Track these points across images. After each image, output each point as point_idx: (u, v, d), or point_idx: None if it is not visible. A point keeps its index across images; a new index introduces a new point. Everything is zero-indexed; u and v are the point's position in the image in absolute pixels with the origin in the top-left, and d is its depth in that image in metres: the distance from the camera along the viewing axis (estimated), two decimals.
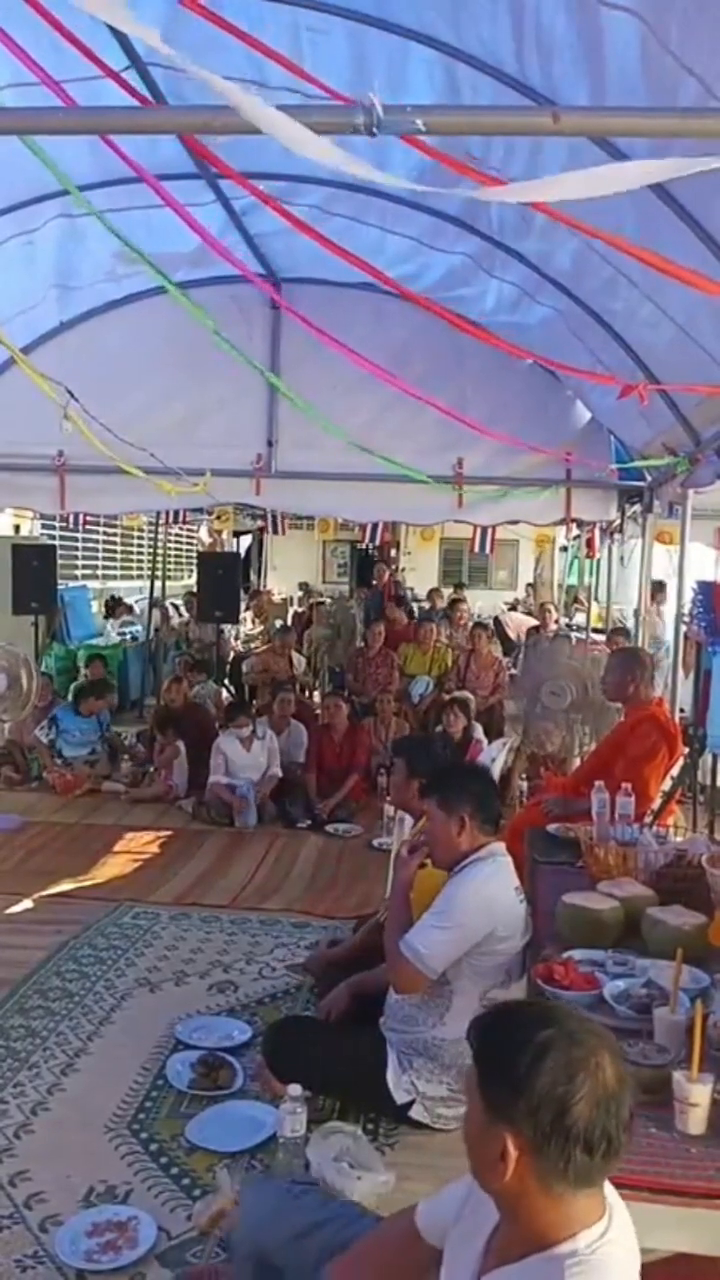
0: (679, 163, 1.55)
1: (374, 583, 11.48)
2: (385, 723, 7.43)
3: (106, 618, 11.49)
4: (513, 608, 13.82)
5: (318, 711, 7.60)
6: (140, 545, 14.81)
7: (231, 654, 10.74)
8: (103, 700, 7.58)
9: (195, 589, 9.89)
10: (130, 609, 12.09)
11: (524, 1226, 1.33)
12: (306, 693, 9.24)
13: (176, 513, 7.82)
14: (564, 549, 15.16)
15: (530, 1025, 1.34)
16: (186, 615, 11.38)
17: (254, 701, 8.59)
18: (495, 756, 6.16)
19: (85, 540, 12.68)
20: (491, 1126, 1.30)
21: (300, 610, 13.26)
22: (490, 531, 7.14)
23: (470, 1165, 1.39)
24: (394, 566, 14.22)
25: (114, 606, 11.88)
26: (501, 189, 1.86)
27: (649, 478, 6.66)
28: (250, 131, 1.59)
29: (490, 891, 2.70)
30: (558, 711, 5.96)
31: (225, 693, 9.35)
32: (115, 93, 3.14)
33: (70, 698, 7.76)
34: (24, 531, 10.60)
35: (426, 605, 12.34)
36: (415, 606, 12.07)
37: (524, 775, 6.92)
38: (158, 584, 11.53)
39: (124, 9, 1.52)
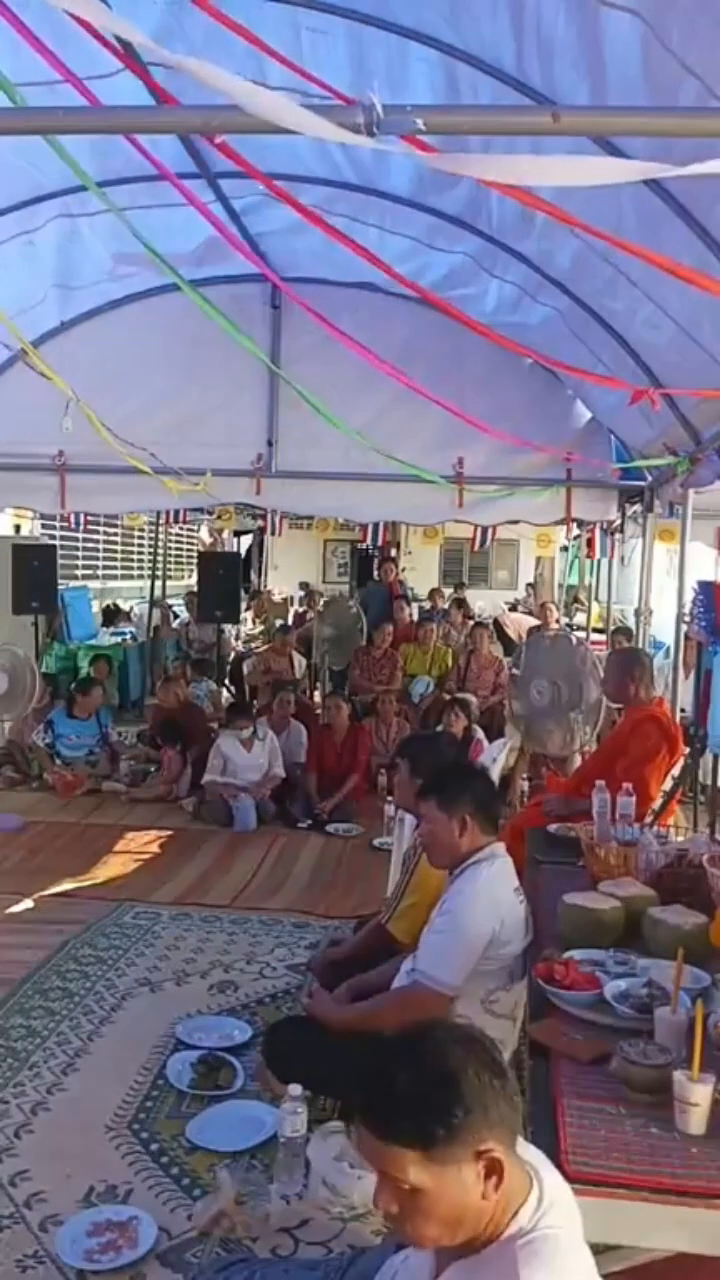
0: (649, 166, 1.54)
1: (377, 578, 11.44)
2: (386, 723, 7.43)
3: (105, 625, 11.49)
4: (513, 608, 13.82)
5: (318, 711, 7.60)
6: (140, 545, 14.83)
7: (232, 654, 10.74)
8: (90, 695, 7.49)
9: (195, 589, 9.90)
10: (128, 616, 12.08)
11: (479, 1233, 1.31)
12: (307, 693, 9.24)
13: (177, 513, 7.82)
14: (564, 549, 15.17)
15: (405, 1060, 1.31)
16: (186, 616, 11.39)
17: (254, 702, 8.59)
18: (496, 757, 6.15)
19: (85, 540, 12.68)
20: (467, 1164, 1.28)
21: (301, 610, 13.26)
22: (491, 531, 7.15)
23: (445, 1234, 1.30)
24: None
25: (113, 615, 11.88)
26: (449, 157, 1.80)
27: (649, 477, 6.66)
28: (249, 131, 1.59)
29: (494, 894, 2.68)
30: (544, 709, 5.97)
31: (225, 693, 9.35)
32: (114, 93, 3.14)
33: (65, 702, 7.73)
34: (24, 531, 10.60)
35: (427, 605, 12.35)
36: (416, 606, 12.06)
37: (525, 775, 6.92)
38: (158, 584, 11.53)
39: (102, 9, 1.50)
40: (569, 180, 1.59)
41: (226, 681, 9.75)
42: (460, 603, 12.04)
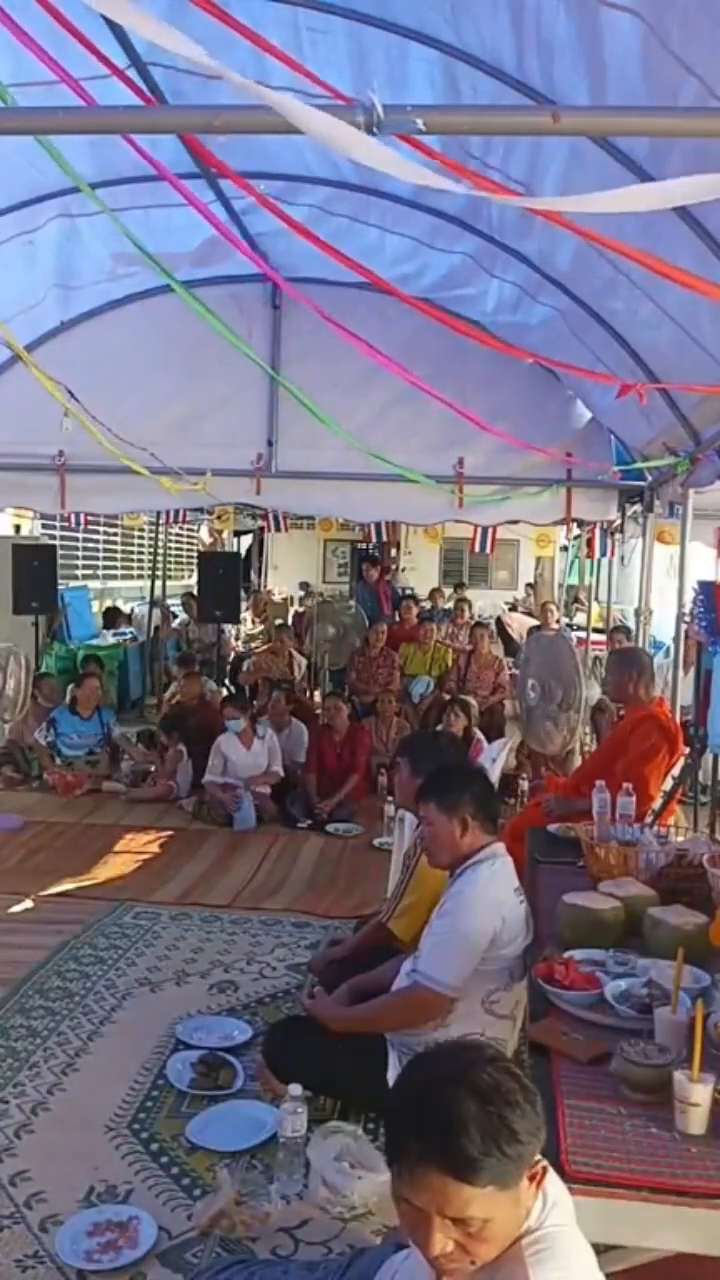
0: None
1: (363, 579, 11.41)
2: (386, 723, 7.43)
3: (106, 627, 11.49)
4: (513, 608, 13.80)
5: (318, 712, 7.60)
6: (140, 545, 14.81)
7: (232, 654, 10.74)
8: (87, 686, 7.48)
9: (195, 589, 9.90)
10: (128, 618, 12.09)
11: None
12: (307, 693, 9.24)
13: (177, 513, 7.82)
14: (564, 549, 15.14)
15: (465, 1100, 1.25)
16: (185, 617, 11.39)
17: (254, 702, 8.59)
18: (496, 757, 6.15)
19: (85, 540, 12.66)
20: (524, 1179, 1.27)
21: (301, 610, 13.26)
22: (490, 531, 7.15)
23: (497, 1249, 1.27)
24: (393, 566, 14.17)
25: (114, 617, 11.88)
26: (523, 200, 1.84)
27: (649, 477, 6.65)
28: (251, 131, 1.59)
29: (494, 894, 2.68)
30: (538, 708, 5.98)
31: (225, 693, 9.35)
32: (113, 93, 3.14)
33: (67, 701, 7.74)
34: (24, 531, 10.59)
35: (427, 605, 12.33)
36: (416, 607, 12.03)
37: (525, 775, 6.92)
38: (158, 584, 11.53)
39: (133, 9, 1.51)
40: (613, 208, 1.59)
41: (226, 681, 9.75)
42: (467, 602, 12.00)
